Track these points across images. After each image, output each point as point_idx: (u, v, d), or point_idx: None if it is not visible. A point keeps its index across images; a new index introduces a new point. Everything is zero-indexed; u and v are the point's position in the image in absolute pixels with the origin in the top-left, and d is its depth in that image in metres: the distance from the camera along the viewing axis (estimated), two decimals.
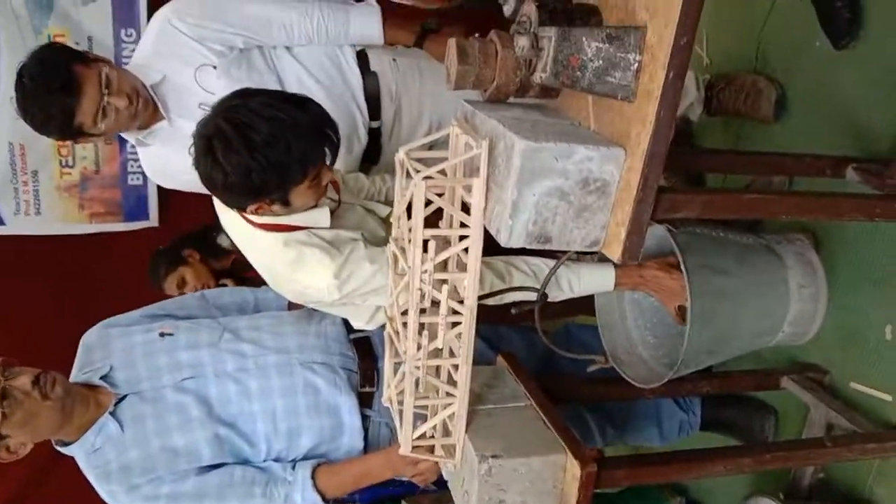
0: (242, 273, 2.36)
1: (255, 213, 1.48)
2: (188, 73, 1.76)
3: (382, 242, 1.61)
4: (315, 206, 1.53)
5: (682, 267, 1.44)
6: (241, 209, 1.49)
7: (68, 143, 2.56)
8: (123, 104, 1.66)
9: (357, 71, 1.85)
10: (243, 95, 1.41)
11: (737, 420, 2.10)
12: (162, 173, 1.94)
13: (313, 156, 1.40)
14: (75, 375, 1.72)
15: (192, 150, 1.40)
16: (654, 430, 2.09)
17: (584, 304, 1.85)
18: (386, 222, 1.71)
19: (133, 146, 2.15)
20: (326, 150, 1.43)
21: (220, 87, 1.73)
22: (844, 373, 1.85)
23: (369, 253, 1.53)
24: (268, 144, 1.34)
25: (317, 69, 1.82)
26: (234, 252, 2.29)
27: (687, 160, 1.80)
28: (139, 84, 1.72)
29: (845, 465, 1.84)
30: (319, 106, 1.45)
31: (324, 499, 1.69)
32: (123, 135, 1.86)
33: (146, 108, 1.72)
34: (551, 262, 1.54)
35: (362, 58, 1.87)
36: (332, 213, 1.57)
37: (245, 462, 1.72)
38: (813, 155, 1.69)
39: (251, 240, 1.59)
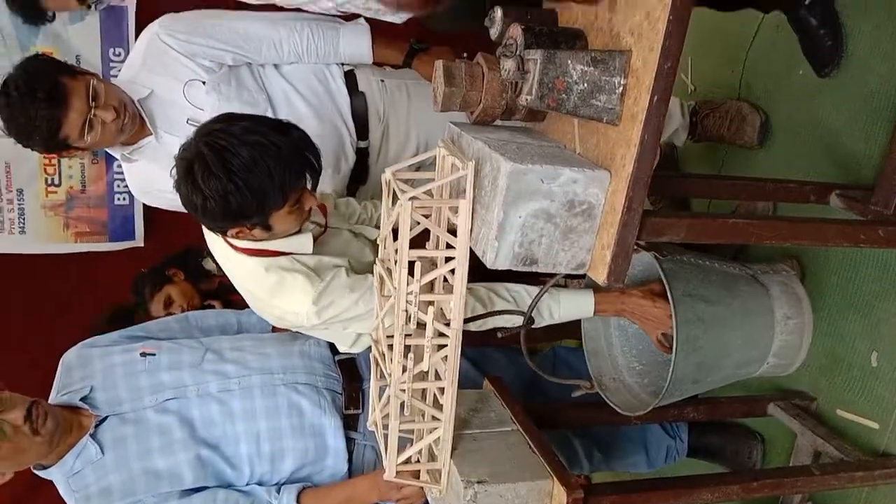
0: (228, 296, 2.34)
1: (236, 237, 1.47)
2: (177, 88, 1.75)
3: (369, 267, 1.60)
4: (298, 232, 1.52)
5: (669, 294, 1.44)
6: (222, 233, 1.48)
7: (54, 159, 2.56)
8: (111, 117, 1.65)
9: (345, 90, 1.86)
10: (227, 120, 1.41)
11: (724, 447, 2.10)
12: (147, 191, 1.93)
13: (293, 181, 1.39)
14: (54, 396, 1.69)
15: (174, 172, 1.40)
16: (642, 456, 2.08)
17: (571, 329, 1.85)
18: (375, 245, 1.70)
19: (121, 166, 2.13)
20: (307, 175, 1.43)
21: (208, 103, 1.73)
22: (831, 400, 1.85)
23: (351, 281, 1.52)
24: (247, 169, 1.33)
25: (305, 88, 1.82)
26: (220, 275, 2.28)
27: (672, 185, 1.81)
28: (127, 98, 1.72)
29: (833, 494, 1.83)
30: (302, 131, 1.45)
31: None
32: (109, 151, 1.85)
33: (133, 122, 1.71)
34: (533, 289, 1.54)
35: (350, 77, 1.88)
36: (317, 238, 1.56)
37: (228, 486, 1.70)
38: (797, 181, 1.70)
39: (234, 263, 1.58)
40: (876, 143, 1.78)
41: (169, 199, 1.79)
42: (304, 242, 1.53)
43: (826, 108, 1.93)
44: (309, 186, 1.45)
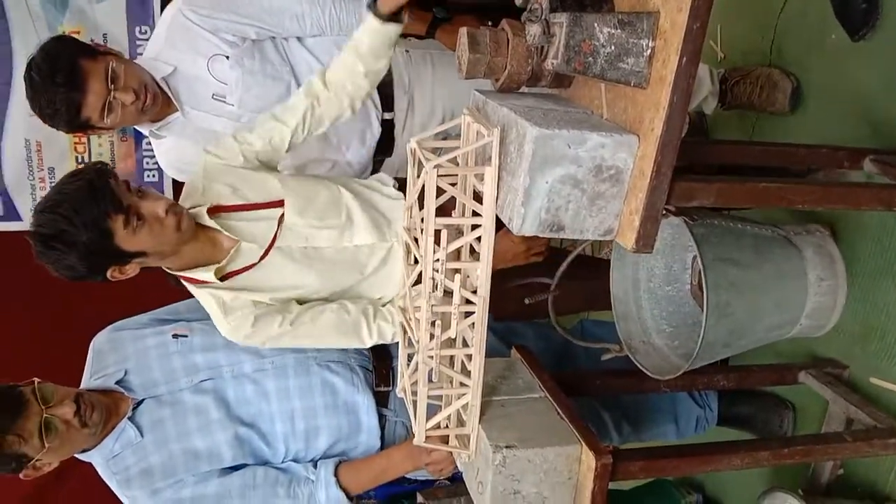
0: None
1: (114, 277, 1.52)
2: (201, 63, 1.76)
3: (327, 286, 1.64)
4: (201, 266, 1.57)
5: (699, 260, 1.42)
6: (102, 280, 1.53)
7: (83, 138, 2.60)
8: (130, 99, 1.65)
9: None
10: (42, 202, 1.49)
11: (754, 415, 2.08)
12: (176, 166, 1.95)
13: (97, 215, 1.41)
14: (87, 381, 1.72)
15: None
16: (671, 426, 2.08)
17: (599, 300, 1.85)
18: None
19: (149, 143, 2.16)
20: (106, 203, 1.43)
21: (232, 78, 1.73)
22: (864, 367, 1.82)
23: (252, 331, 1.58)
24: (58, 233, 1.40)
25: (329, 60, 1.82)
26: None
27: (701, 151, 1.78)
28: (148, 78, 1.72)
29: (866, 462, 1.81)
30: (93, 166, 1.48)
31: (347, 496, 1.69)
32: (138, 128, 1.87)
33: (155, 103, 1.71)
34: None
35: None
36: (255, 264, 1.59)
37: (265, 463, 1.73)
38: (830, 146, 1.67)
39: None
40: None
41: None
42: (205, 275, 1.57)
43: (859, 72, 1.88)
44: (115, 208, 1.44)
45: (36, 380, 1.58)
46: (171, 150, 1.90)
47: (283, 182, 1.65)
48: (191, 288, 1.62)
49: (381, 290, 1.70)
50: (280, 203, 1.62)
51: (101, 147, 2.67)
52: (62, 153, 2.63)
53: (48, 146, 2.59)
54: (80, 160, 2.65)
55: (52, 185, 2.62)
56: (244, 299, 1.58)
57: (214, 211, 1.59)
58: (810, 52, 2.04)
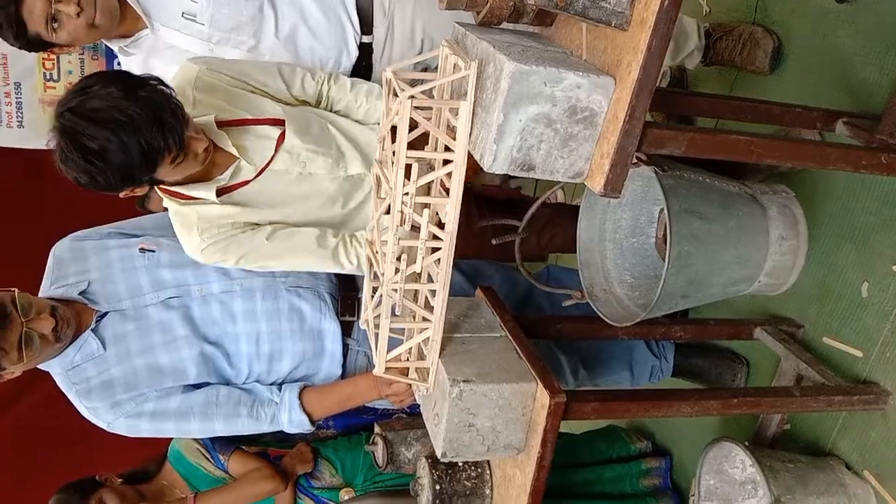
0: None
1: (131, 194, 1.48)
2: None
3: (320, 208, 1.63)
4: (205, 180, 1.53)
5: (666, 210, 1.44)
6: (115, 193, 1.48)
7: (52, 54, 2.52)
8: (73, 11, 1.57)
9: None
10: (81, 92, 1.37)
11: (709, 368, 2.14)
12: None
13: (154, 148, 1.36)
14: (48, 289, 1.69)
15: None
16: (626, 374, 2.13)
17: (565, 243, 1.86)
18: (361, 148, 1.68)
19: (120, 63, 2.08)
20: (172, 140, 1.37)
21: None
22: (818, 327, 1.87)
23: (225, 251, 1.58)
24: (103, 149, 1.32)
25: None
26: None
27: (678, 101, 1.78)
28: None
29: (811, 418, 1.87)
30: (155, 86, 1.40)
31: (310, 420, 1.71)
32: (107, 43, 1.81)
33: (107, 17, 1.63)
34: None
35: None
36: (249, 181, 1.57)
37: (227, 383, 1.73)
38: (804, 106, 1.68)
39: None
40: (889, 72, 1.75)
41: None
42: (204, 193, 1.54)
43: (842, 35, 1.88)
44: (172, 144, 1.39)
45: (15, 289, 1.56)
46: (141, 67, 1.83)
47: (280, 105, 1.63)
48: (171, 202, 1.58)
49: (362, 224, 1.71)
50: (278, 122, 1.59)
51: (70, 65, 2.59)
52: (29, 68, 2.55)
53: (14, 59, 2.51)
54: (48, 77, 2.57)
55: (19, 101, 2.55)
56: (224, 221, 1.56)
57: (218, 124, 1.54)
58: (795, 11, 2.04)
